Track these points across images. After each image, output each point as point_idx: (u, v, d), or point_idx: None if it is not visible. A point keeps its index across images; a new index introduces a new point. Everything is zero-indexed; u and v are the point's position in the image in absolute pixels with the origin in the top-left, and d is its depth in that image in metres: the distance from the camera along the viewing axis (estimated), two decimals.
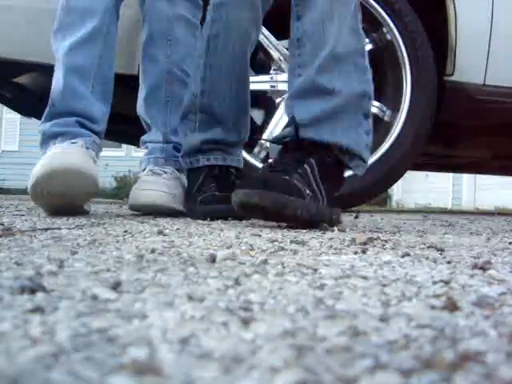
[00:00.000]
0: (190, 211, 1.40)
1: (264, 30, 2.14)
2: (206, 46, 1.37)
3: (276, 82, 2.19)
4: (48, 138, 1.28)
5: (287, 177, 1.10)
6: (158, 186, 1.42)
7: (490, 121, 2.39)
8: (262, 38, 2.19)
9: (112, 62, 1.38)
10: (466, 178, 9.75)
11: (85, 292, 0.40)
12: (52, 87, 1.31)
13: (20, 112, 2.75)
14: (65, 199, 1.18)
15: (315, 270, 0.54)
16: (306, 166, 1.14)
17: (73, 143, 1.24)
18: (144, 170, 1.56)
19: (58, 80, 1.30)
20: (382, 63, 2.31)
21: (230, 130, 1.41)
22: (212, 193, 1.36)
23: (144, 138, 1.61)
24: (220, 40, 1.36)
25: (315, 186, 1.14)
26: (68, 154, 1.18)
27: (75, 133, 1.27)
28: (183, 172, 1.58)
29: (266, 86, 2.22)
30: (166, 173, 1.50)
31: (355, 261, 0.62)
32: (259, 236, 0.88)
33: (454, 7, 2.15)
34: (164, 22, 1.53)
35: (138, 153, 10.02)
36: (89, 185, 1.19)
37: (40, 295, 0.39)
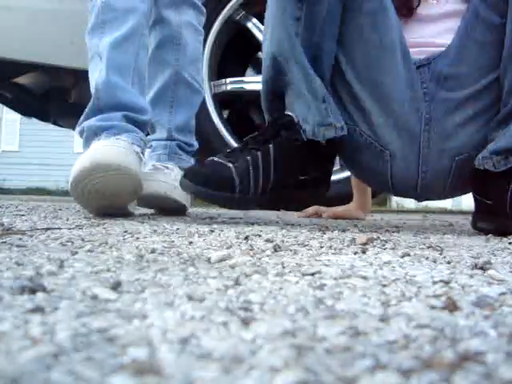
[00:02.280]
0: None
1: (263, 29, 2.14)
2: None
3: None
4: (92, 134, 1.25)
5: (230, 164, 1.13)
6: (159, 176, 1.42)
7: None
8: (262, 37, 2.19)
9: (145, 60, 1.40)
10: None
11: (85, 292, 0.40)
12: (94, 83, 1.30)
13: (20, 112, 2.75)
14: (106, 198, 1.15)
15: (315, 270, 0.54)
16: (258, 152, 1.15)
17: (117, 139, 1.20)
18: (147, 166, 1.56)
19: (100, 76, 1.28)
20: None
21: None
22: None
23: (149, 137, 1.61)
24: None
25: (256, 176, 1.14)
26: (109, 149, 1.14)
27: (121, 127, 1.25)
28: None
29: None
30: (167, 168, 1.50)
31: (355, 261, 0.62)
32: (259, 236, 0.88)
33: None
34: (173, 28, 1.58)
35: None
36: (131, 183, 1.16)
37: (40, 295, 0.39)
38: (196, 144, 1.66)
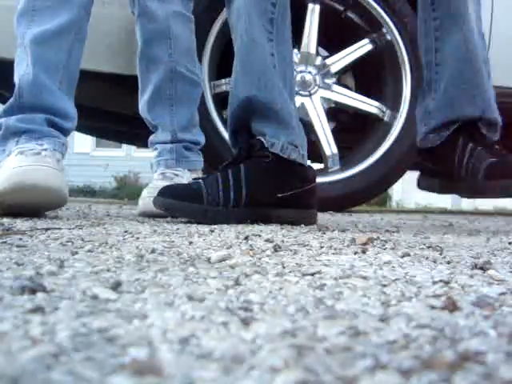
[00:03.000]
0: (472, 188, 1.27)
1: None
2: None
3: None
4: (11, 134, 1.17)
5: (200, 180, 1.20)
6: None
7: None
8: None
9: (80, 59, 1.30)
10: None
11: (85, 292, 0.40)
12: (18, 77, 1.21)
13: None
14: (27, 209, 1.09)
15: (315, 270, 0.54)
16: (229, 170, 1.20)
17: (38, 152, 1.10)
18: (155, 172, 1.55)
19: (26, 72, 1.20)
20: (382, 63, 2.32)
21: None
22: (491, 160, 1.21)
23: (152, 138, 1.59)
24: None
25: (222, 189, 1.18)
26: (37, 171, 1.04)
27: (43, 132, 1.17)
28: (197, 170, 1.58)
29: None
30: (177, 175, 1.49)
31: (355, 261, 0.62)
32: (259, 236, 0.88)
33: None
34: (160, 21, 1.50)
35: (138, 153, 10.01)
36: (57, 200, 1.11)
37: (40, 295, 0.39)
38: (202, 138, 1.61)
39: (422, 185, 1.40)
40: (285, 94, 1.22)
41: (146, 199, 1.42)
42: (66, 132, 1.25)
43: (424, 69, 1.32)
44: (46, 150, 1.13)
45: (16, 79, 1.23)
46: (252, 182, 1.19)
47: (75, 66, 1.29)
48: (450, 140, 1.26)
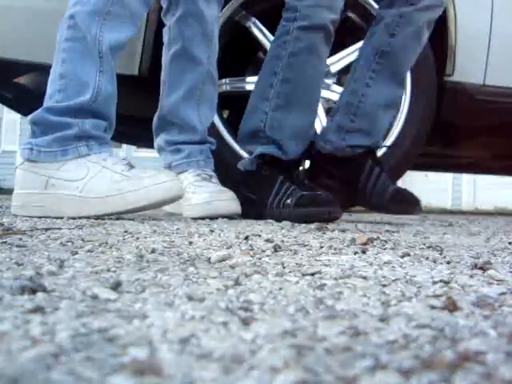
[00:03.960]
0: (280, 215, 1.43)
1: (264, 29, 2.14)
2: (286, 61, 1.47)
3: None
4: (80, 138, 1.19)
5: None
6: (230, 195, 1.44)
7: (489, 121, 2.39)
8: (262, 38, 2.19)
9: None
10: (466, 178, 9.75)
11: (85, 292, 0.40)
12: (92, 78, 1.21)
13: (20, 112, 2.75)
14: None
15: (315, 270, 0.54)
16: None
17: (132, 165, 1.21)
18: (181, 173, 1.50)
19: (101, 80, 1.22)
20: None
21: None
22: (301, 193, 1.41)
23: (170, 138, 1.55)
24: (302, 57, 1.48)
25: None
26: (174, 187, 1.19)
27: (105, 139, 1.24)
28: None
29: None
30: (212, 176, 1.50)
31: (355, 261, 0.62)
32: (259, 236, 0.88)
33: (454, 7, 2.15)
34: (208, 23, 1.50)
35: (138, 153, 10.01)
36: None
37: (40, 295, 0.39)
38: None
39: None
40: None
41: (211, 203, 1.41)
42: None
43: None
44: (125, 159, 1.23)
45: (77, 74, 1.22)
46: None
47: None
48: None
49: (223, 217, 1.40)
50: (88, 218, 1.15)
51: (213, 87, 1.56)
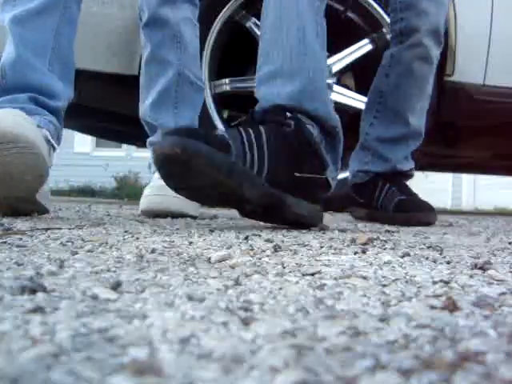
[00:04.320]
0: (385, 218, 1.57)
1: None
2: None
3: None
4: None
5: (220, 132, 1.04)
6: (170, 191, 1.33)
7: (489, 121, 2.39)
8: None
9: (72, 43, 1.25)
10: (466, 178, 9.76)
11: (85, 292, 0.40)
12: (1, 61, 1.16)
13: None
14: (5, 182, 0.95)
15: (315, 270, 0.54)
16: (249, 129, 1.02)
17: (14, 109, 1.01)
18: (155, 171, 1.48)
19: (8, 52, 1.15)
20: None
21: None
22: (401, 197, 1.57)
23: (151, 139, 1.57)
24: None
25: (249, 153, 0.98)
26: (4, 115, 0.93)
27: (25, 109, 1.06)
28: None
29: None
30: None
31: (355, 261, 0.62)
32: (259, 236, 0.88)
33: (454, 7, 2.15)
34: (171, 26, 1.50)
35: (138, 153, 10.00)
36: (37, 163, 0.95)
37: (40, 295, 0.39)
38: None
39: (354, 213, 1.77)
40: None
41: (149, 197, 1.42)
42: (54, 111, 1.17)
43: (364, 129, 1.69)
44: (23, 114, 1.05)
45: (1, 63, 1.18)
46: (273, 152, 0.99)
47: (67, 48, 1.24)
48: (373, 180, 1.65)
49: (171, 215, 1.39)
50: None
51: (193, 91, 1.54)
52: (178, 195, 1.29)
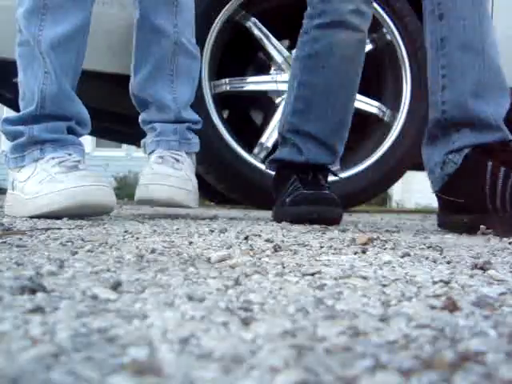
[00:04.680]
0: (276, 214, 1.37)
1: (264, 29, 2.14)
2: (303, 64, 1.35)
3: (276, 82, 2.19)
4: (33, 143, 1.18)
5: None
6: (172, 180, 1.30)
7: None
8: (262, 37, 2.19)
9: (84, 53, 1.25)
10: None
11: (85, 292, 0.40)
12: (35, 84, 1.18)
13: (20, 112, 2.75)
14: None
15: (315, 270, 0.54)
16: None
17: (75, 165, 1.12)
18: (151, 153, 1.40)
19: (48, 81, 1.18)
20: (382, 63, 2.32)
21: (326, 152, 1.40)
22: (300, 192, 1.29)
23: (146, 117, 1.44)
24: (320, 59, 1.33)
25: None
26: (98, 190, 1.08)
27: (67, 141, 1.19)
28: (193, 153, 1.47)
29: (266, 87, 2.22)
30: (178, 161, 1.36)
31: (355, 261, 0.62)
32: (259, 236, 0.88)
33: None
34: None
35: (138, 153, 10.00)
36: (110, 210, 1.15)
37: (40, 295, 0.39)
38: (198, 117, 1.50)
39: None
40: None
41: (151, 186, 1.31)
42: (82, 135, 1.27)
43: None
44: (79, 161, 1.15)
45: (24, 81, 1.21)
46: None
47: (80, 65, 1.25)
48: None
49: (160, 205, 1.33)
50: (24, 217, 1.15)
51: (189, 60, 1.43)
52: (185, 186, 1.31)
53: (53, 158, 1.14)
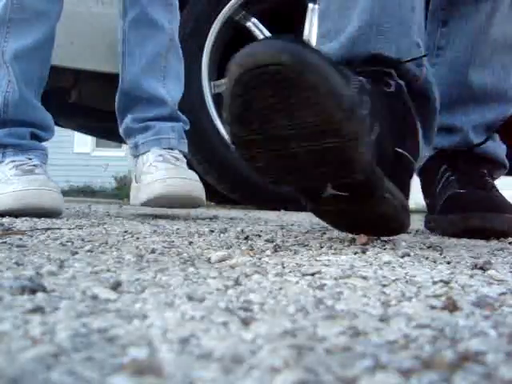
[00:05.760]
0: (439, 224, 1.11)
1: (264, 30, 2.14)
2: None
3: None
4: None
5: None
6: (184, 173, 1.27)
7: None
8: (261, 37, 2.19)
9: (49, 64, 1.31)
10: None
11: (85, 292, 0.40)
12: (1, 90, 1.25)
13: None
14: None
15: (315, 270, 0.54)
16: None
17: (31, 170, 1.19)
18: (144, 153, 1.35)
19: (10, 89, 1.25)
20: None
21: None
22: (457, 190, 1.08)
23: (139, 114, 1.39)
24: None
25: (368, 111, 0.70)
26: (44, 195, 1.14)
27: (28, 146, 1.26)
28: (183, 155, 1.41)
29: None
30: (178, 159, 1.32)
31: (355, 261, 0.62)
32: (259, 236, 0.88)
33: None
34: None
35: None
36: (56, 215, 1.17)
37: (40, 295, 0.39)
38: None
39: (428, 225, 1.18)
40: None
41: (167, 181, 1.23)
42: (45, 140, 1.32)
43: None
44: (36, 166, 1.21)
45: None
46: (380, 116, 0.74)
47: (46, 73, 1.31)
48: (432, 166, 1.12)
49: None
50: None
51: (178, 60, 1.43)
52: (198, 180, 1.27)
53: (12, 161, 1.22)
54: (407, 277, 0.52)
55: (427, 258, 0.66)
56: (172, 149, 1.35)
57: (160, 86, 1.38)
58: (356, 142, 0.62)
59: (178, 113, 1.41)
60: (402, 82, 0.81)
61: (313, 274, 0.52)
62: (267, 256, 0.64)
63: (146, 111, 1.38)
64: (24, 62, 1.24)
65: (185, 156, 1.38)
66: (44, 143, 1.31)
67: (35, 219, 1.09)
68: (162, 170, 1.27)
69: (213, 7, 2.08)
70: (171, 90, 1.40)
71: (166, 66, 1.39)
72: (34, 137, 1.28)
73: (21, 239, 0.73)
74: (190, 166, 1.45)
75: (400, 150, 0.79)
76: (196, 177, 1.29)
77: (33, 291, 0.39)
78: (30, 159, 1.23)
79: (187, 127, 1.44)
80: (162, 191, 1.23)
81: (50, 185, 1.16)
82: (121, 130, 1.45)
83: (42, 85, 1.30)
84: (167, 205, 1.30)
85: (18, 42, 1.24)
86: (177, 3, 1.43)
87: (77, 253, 0.61)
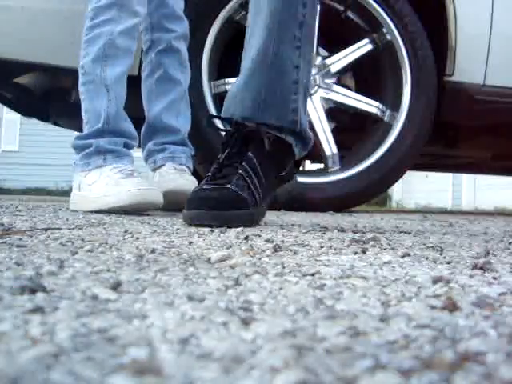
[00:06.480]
0: None
1: None
2: None
3: None
4: (98, 153, 1.55)
5: (229, 185, 1.07)
6: (189, 178, 1.73)
7: (489, 121, 2.39)
8: None
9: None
10: (466, 178, 9.76)
11: (85, 292, 0.40)
12: (102, 107, 1.57)
13: (20, 112, 2.75)
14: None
15: (315, 270, 0.54)
16: (244, 163, 1.12)
17: (131, 173, 1.50)
18: (160, 167, 1.79)
19: (111, 106, 1.58)
20: (382, 63, 2.32)
21: None
22: None
23: (158, 140, 1.83)
24: None
25: (254, 185, 1.11)
26: (151, 193, 1.47)
27: (123, 153, 1.58)
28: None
29: None
30: (185, 171, 1.78)
31: (355, 261, 0.62)
32: (259, 236, 0.88)
33: (454, 7, 2.15)
34: (182, 56, 1.86)
35: (138, 153, 9.99)
36: (158, 204, 1.50)
37: (40, 295, 0.39)
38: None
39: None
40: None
41: (178, 181, 1.70)
42: (132, 148, 1.66)
43: None
44: (133, 170, 1.52)
45: (90, 108, 1.59)
46: (264, 169, 1.14)
47: (125, 95, 1.65)
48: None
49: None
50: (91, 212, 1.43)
51: (187, 104, 1.90)
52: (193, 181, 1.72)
53: (114, 167, 1.53)
54: (407, 277, 0.52)
55: (427, 258, 0.66)
56: (181, 165, 1.81)
57: (174, 121, 1.86)
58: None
59: (187, 140, 1.88)
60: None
61: (313, 274, 0.52)
62: (267, 256, 0.64)
63: (164, 138, 1.84)
64: (118, 86, 1.61)
65: (190, 170, 1.85)
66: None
67: (35, 219, 1.09)
68: (173, 174, 1.77)
69: (213, 7, 2.07)
70: (183, 124, 1.87)
71: (179, 109, 1.88)
72: (126, 145, 1.60)
73: (21, 239, 0.73)
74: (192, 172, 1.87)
75: (282, 174, 1.22)
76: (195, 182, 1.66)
77: (33, 291, 0.39)
78: (125, 165, 1.54)
79: (193, 152, 1.90)
80: (174, 187, 1.69)
81: (152, 185, 1.53)
82: (143, 154, 1.90)
83: (124, 102, 1.63)
84: (176, 195, 1.65)
85: (114, 70, 1.59)
86: (189, 70, 1.90)
87: (77, 253, 0.61)
